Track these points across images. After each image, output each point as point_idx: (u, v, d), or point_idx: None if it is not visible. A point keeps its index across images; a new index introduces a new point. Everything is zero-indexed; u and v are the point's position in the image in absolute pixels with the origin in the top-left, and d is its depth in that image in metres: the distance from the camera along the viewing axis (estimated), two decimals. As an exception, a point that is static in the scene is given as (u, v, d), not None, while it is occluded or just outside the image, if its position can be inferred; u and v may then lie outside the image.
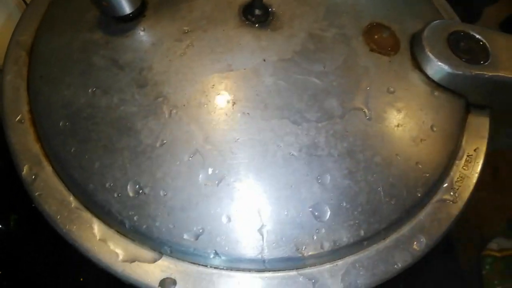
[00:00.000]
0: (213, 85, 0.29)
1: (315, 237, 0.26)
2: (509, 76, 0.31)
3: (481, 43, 0.32)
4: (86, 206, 0.28)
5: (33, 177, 0.29)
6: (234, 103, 0.29)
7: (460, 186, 0.31)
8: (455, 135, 0.31)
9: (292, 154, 0.28)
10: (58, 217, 0.28)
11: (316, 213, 0.27)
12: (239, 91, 0.29)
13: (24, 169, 0.29)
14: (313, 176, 0.27)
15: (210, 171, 0.27)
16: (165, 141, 0.28)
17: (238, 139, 0.28)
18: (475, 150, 0.32)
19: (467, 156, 0.32)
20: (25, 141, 0.30)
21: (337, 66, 0.30)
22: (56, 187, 0.29)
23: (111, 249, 0.27)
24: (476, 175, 0.31)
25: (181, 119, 0.28)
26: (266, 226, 0.26)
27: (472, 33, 0.32)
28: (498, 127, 0.38)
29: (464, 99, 0.33)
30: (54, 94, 0.30)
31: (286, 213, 0.27)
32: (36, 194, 0.28)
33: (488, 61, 0.32)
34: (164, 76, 0.29)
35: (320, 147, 0.28)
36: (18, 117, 0.31)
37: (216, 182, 0.27)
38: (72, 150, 0.28)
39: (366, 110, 0.29)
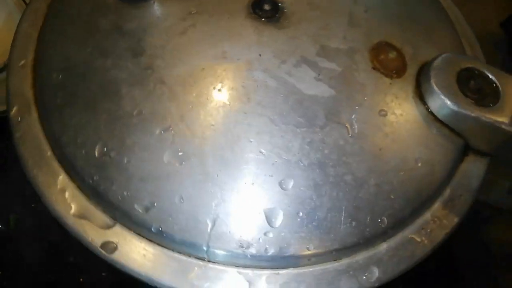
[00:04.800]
0: (203, 68, 0.29)
1: (260, 240, 0.26)
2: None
3: (494, 85, 0.31)
4: (56, 156, 0.29)
5: (19, 119, 0.30)
6: (218, 90, 0.29)
7: (433, 229, 0.29)
8: (442, 176, 0.30)
9: (261, 152, 0.27)
10: (30, 161, 0.29)
11: (269, 216, 0.26)
12: (226, 80, 0.29)
13: (13, 110, 0.31)
14: (276, 178, 0.27)
15: (177, 149, 0.27)
16: (143, 112, 0.28)
17: (212, 125, 0.28)
18: (460, 195, 0.30)
19: (450, 201, 0.30)
20: (21, 85, 0.31)
21: (332, 77, 0.30)
22: (36, 133, 0.30)
23: (67, 201, 0.27)
24: (453, 223, 0.29)
25: (163, 94, 0.28)
26: (217, 216, 0.26)
27: (486, 72, 0.31)
28: (500, 179, 0.35)
29: (463, 140, 0.31)
30: (57, 47, 0.31)
31: (239, 208, 0.26)
32: (17, 135, 0.30)
33: (496, 105, 0.30)
34: (160, 50, 0.30)
35: (292, 152, 0.27)
36: (22, 62, 0.32)
37: (180, 161, 0.27)
38: (57, 102, 0.29)
39: (350, 127, 0.28)
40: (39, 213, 0.29)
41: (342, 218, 0.27)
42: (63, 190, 0.28)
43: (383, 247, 0.28)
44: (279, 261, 0.26)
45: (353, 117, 0.29)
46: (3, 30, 0.42)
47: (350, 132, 0.28)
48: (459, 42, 0.35)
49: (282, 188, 0.27)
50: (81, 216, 0.27)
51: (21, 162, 0.29)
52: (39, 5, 0.34)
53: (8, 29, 0.35)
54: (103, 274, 0.43)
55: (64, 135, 0.28)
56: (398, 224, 0.28)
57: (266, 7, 0.31)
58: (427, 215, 0.29)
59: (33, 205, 0.43)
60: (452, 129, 0.30)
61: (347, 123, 0.29)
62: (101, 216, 0.27)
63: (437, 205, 0.30)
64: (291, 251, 0.26)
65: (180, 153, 0.27)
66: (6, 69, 0.32)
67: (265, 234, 0.26)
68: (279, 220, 0.26)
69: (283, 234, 0.26)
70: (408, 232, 0.29)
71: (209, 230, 0.26)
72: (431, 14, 0.36)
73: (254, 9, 0.31)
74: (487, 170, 0.32)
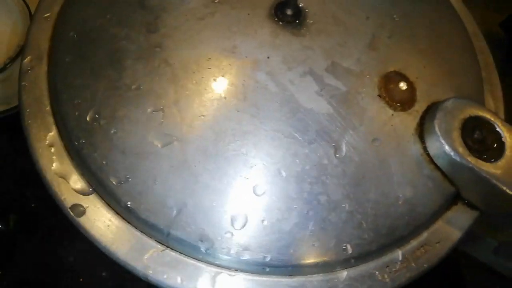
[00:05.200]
0: (210, 58, 0.29)
1: (221, 238, 0.26)
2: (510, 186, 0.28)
3: (500, 139, 0.29)
4: (53, 111, 0.30)
5: (29, 68, 0.31)
6: (218, 83, 0.29)
7: (399, 269, 0.28)
8: (421, 219, 0.29)
9: (243, 153, 0.27)
10: (27, 110, 0.30)
11: (234, 217, 0.26)
12: (229, 74, 0.29)
13: (26, 59, 0.32)
14: (251, 182, 0.27)
15: (163, 131, 0.27)
16: (141, 87, 0.28)
17: (203, 115, 0.28)
18: (437, 242, 0.30)
19: (425, 244, 0.29)
20: (40, 37, 0.32)
21: (333, 95, 0.29)
22: (40, 85, 0.31)
23: (50, 157, 0.28)
24: (422, 268, 0.28)
25: (165, 75, 0.29)
26: (184, 205, 0.26)
27: (495, 125, 0.29)
28: (487, 238, 0.34)
29: (454, 188, 0.30)
30: (81, 7, 0.32)
31: (208, 203, 0.27)
32: (23, 83, 0.31)
33: (497, 162, 0.29)
34: (173, 30, 0.30)
35: (273, 159, 0.27)
36: (47, 14, 0.33)
37: (163, 144, 0.27)
38: (66, 60, 0.30)
39: (338, 148, 0.28)
40: (39, 213, 0.30)
41: (306, 236, 0.27)
42: (50, 146, 0.29)
43: (341, 274, 0.28)
44: (234, 263, 0.26)
45: (344, 139, 0.28)
46: (3, 32, 0.42)
47: (336, 154, 0.28)
48: (480, 88, 0.34)
49: (254, 193, 0.27)
50: (60, 174, 0.28)
51: (19, 110, 0.30)
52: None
53: (8, 30, 0.36)
54: (103, 274, 0.43)
55: (64, 93, 0.29)
56: (363, 255, 0.28)
57: (289, 11, 0.30)
58: (396, 254, 0.29)
59: (33, 205, 0.43)
60: (445, 175, 0.30)
61: (336, 143, 0.28)
62: (78, 179, 0.28)
63: (409, 247, 0.29)
64: (248, 256, 0.26)
65: (164, 135, 0.27)
66: (32, 20, 0.33)
67: (226, 233, 0.26)
68: (242, 224, 0.26)
69: (243, 238, 0.26)
70: (371, 266, 0.28)
71: (173, 216, 0.26)
72: (460, 54, 0.35)
73: (276, 10, 0.31)
74: (473, 224, 0.31)
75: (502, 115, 0.35)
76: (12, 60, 0.42)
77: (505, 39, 0.57)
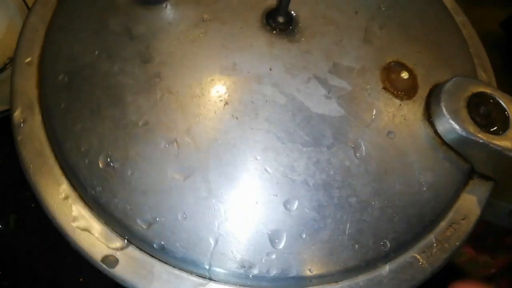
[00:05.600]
0: (212, 79, 0.29)
1: (263, 260, 0.26)
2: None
3: (505, 112, 0.30)
4: (59, 163, 0.28)
5: (22, 120, 0.30)
6: (226, 103, 0.28)
7: (434, 252, 0.29)
8: (446, 200, 0.30)
9: (267, 171, 0.27)
10: (31, 166, 0.28)
11: (273, 237, 0.26)
12: (235, 93, 0.28)
13: (16, 111, 0.30)
14: (281, 198, 0.27)
15: (181, 163, 0.27)
16: (148, 122, 0.27)
17: (218, 140, 0.27)
18: (463, 219, 0.30)
19: (453, 223, 0.30)
20: (26, 84, 0.31)
21: (341, 95, 0.29)
22: (38, 137, 0.29)
23: (69, 211, 0.27)
24: (455, 246, 0.29)
25: (170, 105, 0.28)
26: (220, 234, 0.26)
27: (497, 98, 0.30)
28: (501, 202, 0.35)
29: (469, 164, 0.31)
30: (64, 46, 0.31)
31: (243, 228, 0.26)
32: (19, 138, 0.29)
33: (506, 133, 0.30)
34: (169, 57, 0.29)
35: (297, 171, 0.27)
36: (28, 59, 0.32)
37: (184, 176, 0.26)
38: (62, 105, 0.29)
39: (357, 148, 0.28)
40: (39, 213, 0.29)
41: (345, 241, 0.27)
42: (65, 199, 0.27)
43: (384, 269, 0.28)
44: (280, 282, 0.26)
45: (360, 138, 0.28)
46: (3, 32, 0.40)
47: (356, 153, 0.28)
48: (472, 64, 0.35)
49: (286, 209, 0.27)
50: (83, 227, 0.27)
51: (22, 167, 0.28)
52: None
53: (9, 31, 0.34)
54: (103, 274, 0.43)
55: (67, 142, 0.28)
56: (400, 247, 0.28)
57: (280, 19, 0.30)
58: (429, 239, 0.29)
59: (33, 205, 0.43)
60: (458, 153, 0.30)
61: (354, 144, 0.28)
62: (102, 229, 0.27)
63: (439, 229, 0.30)
64: (293, 272, 0.26)
65: (184, 168, 0.27)
66: (11, 66, 0.31)
67: (267, 254, 0.26)
68: (282, 241, 0.26)
69: (285, 255, 0.26)
70: (409, 255, 0.29)
71: (211, 248, 0.26)
72: (447, 34, 0.35)
73: (268, 20, 0.30)
74: (490, 194, 0.32)
75: (494, 84, 0.36)
76: (12, 60, 0.40)
77: (505, 39, 0.58)
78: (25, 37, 0.32)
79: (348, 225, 0.27)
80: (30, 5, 0.41)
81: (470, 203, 0.31)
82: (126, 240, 0.27)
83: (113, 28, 0.30)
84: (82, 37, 0.30)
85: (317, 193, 0.27)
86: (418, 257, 0.29)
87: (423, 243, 0.29)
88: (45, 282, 0.43)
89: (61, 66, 0.30)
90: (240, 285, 0.26)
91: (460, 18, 0.38)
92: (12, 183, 0.31)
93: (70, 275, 0.43)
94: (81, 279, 0.43)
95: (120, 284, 0.27)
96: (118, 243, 0.27)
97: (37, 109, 0.30)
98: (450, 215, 0.30)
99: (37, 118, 0.30)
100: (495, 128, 0.30)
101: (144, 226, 0.26)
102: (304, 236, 0.26)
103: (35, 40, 0.32)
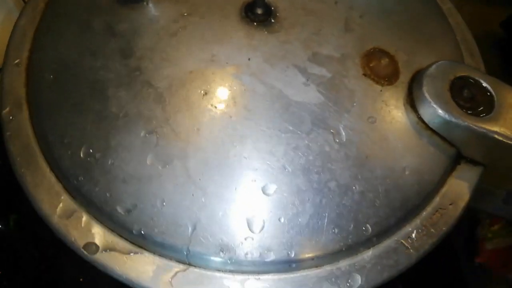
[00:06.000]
0: (191, 71, 0.29)
1: (241, 244, 0.26)
2: (508, 136, 0.28)
3: (488, 93, 0.30)
4: (44, 155, 0.29)
5: (11, 117, 0.30)
6: (205, 93, 0.29)
7: (419, 238, 0.28)
8: (430, 185, 0.29)
9: (245, 157, 0.27)
10: (18, 159, 0.29)
11: (251, 221, 0.26)
12: (214, 83, 0.29)
13: (5, 110, 0.31)
14: (259, 183, 0.27)
15: (160, 152, 0.27)
16: (128, 113, 0.28)
17: (197, 128, 0.28)
18: (450, 204, 0.30)
19: (439, 208, 0.29)
20: (15, 84, 0.32)
21: (320, 83, 0.29)
22: (26, 132, 0.30)
23: (52, 202, 0.28)
24: (441, 232, 0.29)
25: (150, 96, 0.28)
26: (198, 220, 0.26)
27: (481, 81, 0.30)
28: (494, 189, 0.35)
29: (455, 149, 0.30)
30: (51, 47, 0.32)
31: (221, 212, 0.26)
32: (7, 133, 0.30)
33: (490, 115, 0.29)
34: (149, 52, 0.30)
35: (276, 157, 0.27)
36: (17, 61, 0.33)
37: (163, 164, 0.27)
38: (47, 101, 0.30)
39: (337, 133, 0.28)
40: (39, 213, 0.29)
41: (325, 225, 0.26)
42: (49, 190, 0.28)
43: (367, 254, 0.27)
44: (259, 266, 0.26)
45: (340, 123, 0.28)
46: (2, 29, 0.42)
47: (336, 139, 0.28)
48: (458, 49, 0.34)
49: (265, 193, 0.27)
50: (66, 216, 0.27)
51: (10, 161, 0.29)
52: (38, 2, 0.35)
53: (7, 28, 0.35)
54: (103, 274, 0.43)
55: (52, 135, 0.29)
56: (383, 232, 0.28)
57: (259, 10, 0.31)
58: (414, 224, 0.29)
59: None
60: (443, 138, 0.30)
61: (334, 129, 0.28)
62: (84, 217, 0.27)
63: (424, 214, 0.29)
64: (272, 256, 0.26)
65: (163, 155, 0.27)
66: (2, 69, 0.33)
67: (246, 239, 0.26)
68: (260, 226, 0.26)
69: (264, 239, 0.26)
70: (393, 241, 0.28)
71: (189, 233, 0.26)
72: (431, 20, 0.35)
73: (246, 12, 0.31)
74: (480, 179, 0.31)
75: (482, 69, 0.36)
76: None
77: (505, 39, 0.58)
78: (14, 40, 0.34)
79: (327, 209, 0.27)
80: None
81: (458, 188, 0.30)
82: (106, 227, 0.27)
83: (96, 27, 0.31)
84: (67, 37, 0.31)
85: (295, 178, 0.27)
86: (403, 242, 0.28)
87: (407, 228, 0.29)
88: (45, 282, 0.43)
89: (47, 65, 0.31)
90: (219, 270, 0.26)
91: (446, 6, 0.38)
92: (12, 183, 0.31)
93: (70, 275, 0.43)
94: (81, 279, 0.43)
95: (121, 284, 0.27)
96: (99, 230, 0.27)
97: (25, 106, 0.31)
98: (437, 200, 0.30)
99: (25, 114, 0.30)
100: (480, 110, 0.29)
101: (123, 213, 0.26)
102: (282, 220, 0.26)
103: (23, 43, 0.33)
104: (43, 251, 0.44)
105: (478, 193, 0.32)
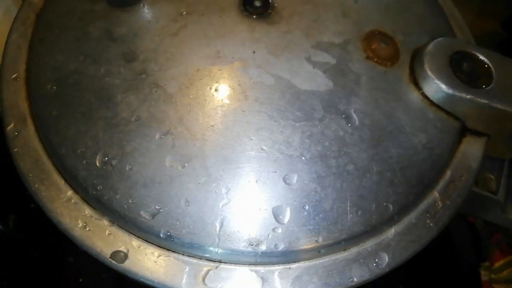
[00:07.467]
0: (198, 69, 0.29)
1: (270, 236, 0.26)
2: (509, 104, 0.30)
3: (485, 66, 0.31)
4: (57, 169, 0.29)
5: (16, 133, 0.30)
6: (215, 90, 0.28)
7: (437, 211, 0.29)
8: (442, 159, 0.30)
9: (263, 149, 0.27)
10: (30, 175, 0.29)
11: (276, 212, 0.26)
12: (222, 79, 0.29)
13: (9, 126, 0.30)
14: (280, 174, 0.27)
15: (178, 153, 0.27)
16: (140, 117, 0.28)
17: (212, 125, 0.28)
18: (461, 176, 0.31)
19: (451, 182, 0.30)
20: (16, 99, 0.31)
21: (326, 68, 0.30)
22: (34, 147, 0.29)
23: (72, 214, 0.27)
24: (457, 203, 0.30)
25: (160, 98, 0.28)
26: (224, 216, 0.26)
27: (477, 54, 0.31)
28: (494, 197, 0.36)
29: (460, 122, 0.31)
30: (48, 57, 0.31)
31: (246, 207, 0.26)
32: (15, 150, 0.29)
33: (490, 87, 0.30)
34: (152, 53, 0.29)
35: (293, 146, 0.27)
36: (15, 75, 0.32)
37: (182, 164, 0.27)
38: (53, 113, 0.29)
39: (349, 117, 0.29)
40: (39, 213, 0.29)
41: (348, 208, 0.27)
42: (67, 203, 0.28)
43: (390, 232, 0.28)
44: (289, 255, 0.26)
45: (350, 107, 0.29)
46: (1, 27, 0.40)
47: (349, 122, 0.28)
48: (449, 27, 0.35)
49: (286, 183, 0.27)
50: (88, 227, 0.27)
51: (21, 178, 0.28)
52: (28, 14, 0.34)
53: (6, 25, 0.34)
54: (103, 274, 0.43)
55: (63, 147, 0.28)
56: (403, 209, 0.28)
57: (257, 3, 0.31)
58: (431, 198, 0.30)
59: (32, 205, 0.42)
60: (448, 112, 0.31)
61: (345, 114, 0.29)
62: (108, 226, 0.27)
63: (439, 188, 0.30)
64: (301, 244, 0.26)
65: (181, 156, 0.27)
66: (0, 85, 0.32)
67: (273, 230, 0.26)
68: (286, 216, 0.26)
69: (291, 228, 0.26)
70: (413, 216, 0.29)
71: (217, 231, 0.26)
72: (420, 2, 0.36)
73: (245, 6, 0.31)
74: (485, 149, 0.32)
75: (472, 41, 0.37)
76: None
77: (505, 39, 0.59)
78: (8, 55, 0.33)
79: (349, 192, 0.27)
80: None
81: (466, 160, 0.31)
82: (132, 234, 0.27)
83: (93, 34, 0.31)
84: (63, 46, 0.31)
85: (314, 165, 0.27)
86: (423, 217, 0.29)
87: (425, 203, 0.29)
88: (45, 282, 0.43)
89: (47, 76, 0.30)
90: (249, 264, 0.26)
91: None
92: (12, 183, 0.30)
93: (70, 275, 0.43)
94: (81, 280, 0.43)
95: (124, 283, 0.27)
96: (125, 238, 0.27)
97: (29, 121, 0.30)
98: (449, 173, 0.31)
99: (31, 129, 0.30)
100: (480, 82, 0.30)
101: (148, 218, 0.26)
102: (307, 207, 0.26)
103: (19, 56, 0.32)
104: (43, 251, 0.43)
105: (476, 202, 0.33)
